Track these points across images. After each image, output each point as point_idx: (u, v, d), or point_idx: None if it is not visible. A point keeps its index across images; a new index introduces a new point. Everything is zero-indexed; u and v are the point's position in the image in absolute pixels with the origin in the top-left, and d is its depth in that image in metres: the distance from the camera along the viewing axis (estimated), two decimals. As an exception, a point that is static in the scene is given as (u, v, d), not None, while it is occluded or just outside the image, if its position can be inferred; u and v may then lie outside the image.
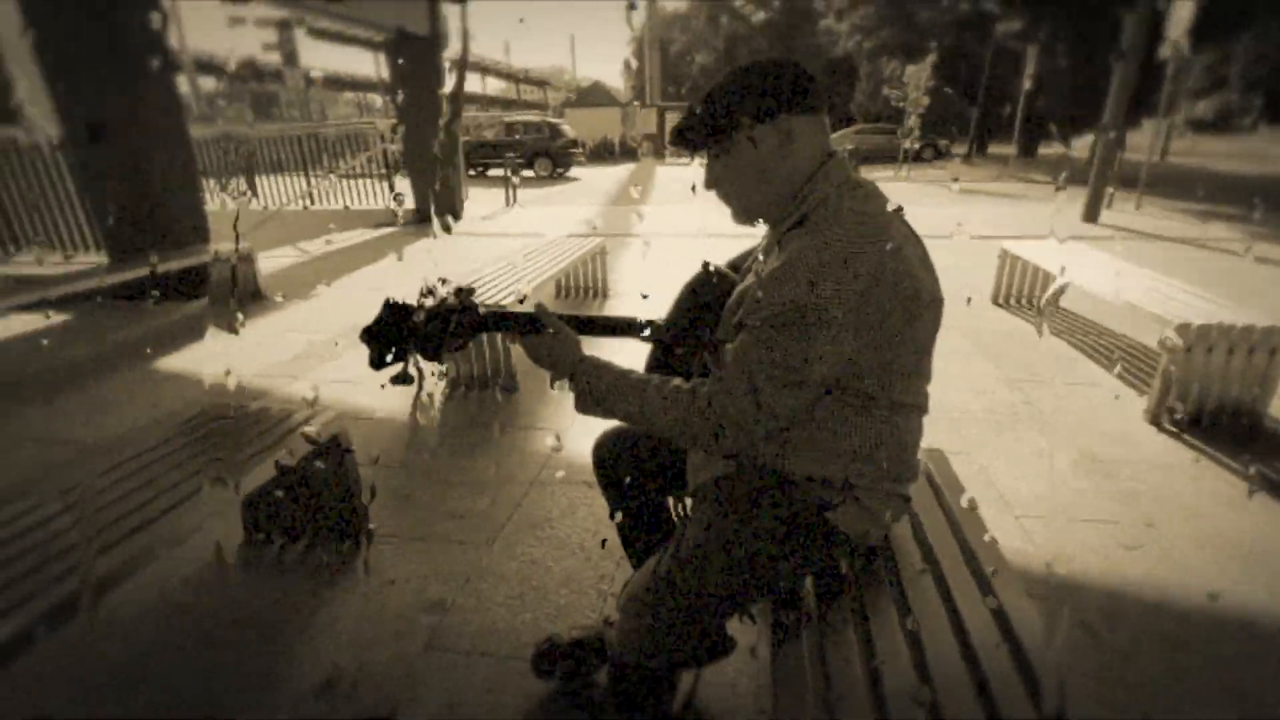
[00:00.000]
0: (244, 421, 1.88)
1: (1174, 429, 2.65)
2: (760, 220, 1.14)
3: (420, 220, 9.08)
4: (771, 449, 1.11)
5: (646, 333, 1.16)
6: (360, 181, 9.50)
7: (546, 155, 15.76)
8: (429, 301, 1.01)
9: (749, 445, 1.04)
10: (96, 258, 5.59)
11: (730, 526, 1.11)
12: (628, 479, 1.42)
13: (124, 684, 1.54)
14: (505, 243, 7.00)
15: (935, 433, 2.53)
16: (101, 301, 5.07)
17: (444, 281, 1.05)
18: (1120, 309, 2.98)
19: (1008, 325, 4.05)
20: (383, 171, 9.44)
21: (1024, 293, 4.31)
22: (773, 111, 1.04)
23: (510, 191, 10.66)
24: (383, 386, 1.00)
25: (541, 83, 34.99)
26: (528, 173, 15.90)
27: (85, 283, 4.63)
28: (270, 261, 6.52)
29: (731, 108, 1.05)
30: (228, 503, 1.61)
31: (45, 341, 4.36)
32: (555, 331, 1.10)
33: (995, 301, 4.42)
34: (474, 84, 31.23)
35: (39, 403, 3.23)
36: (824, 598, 1.18)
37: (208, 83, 24.96)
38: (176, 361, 3.78)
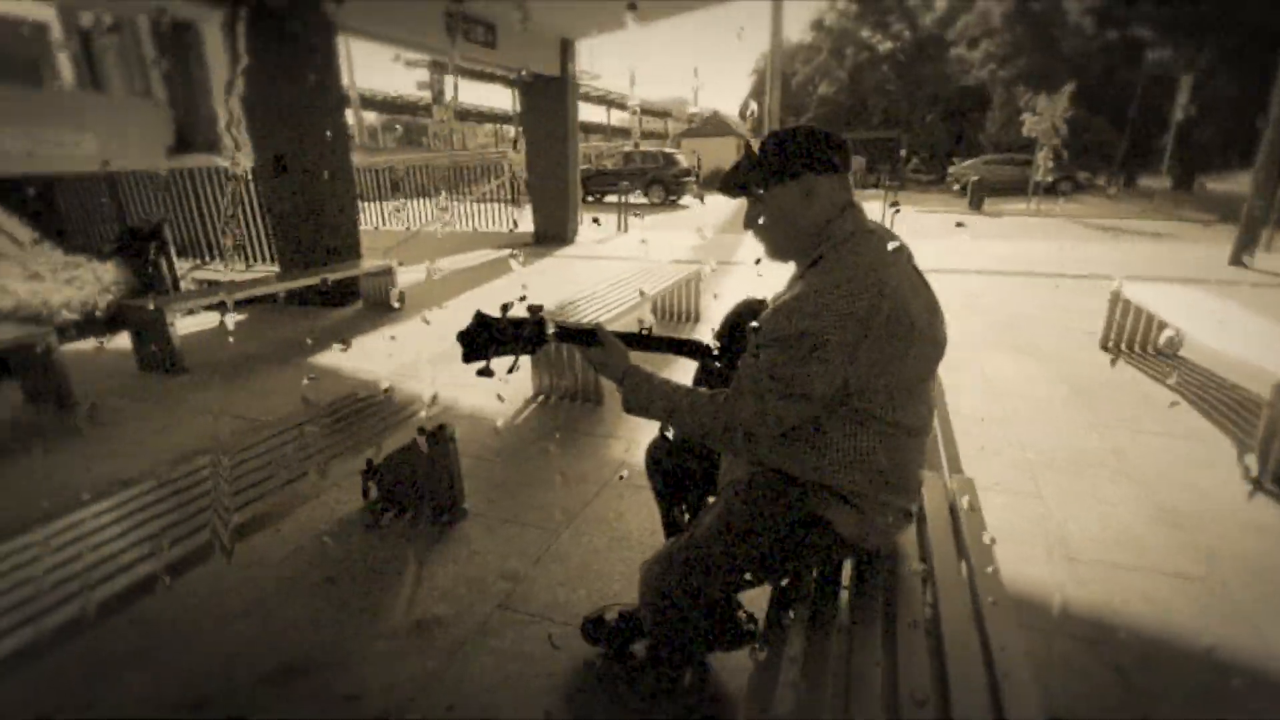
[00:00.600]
0: (372, 409, 2.30)
1: (1276, 490, 2.48)
2: (787, 258, 1.35)
3: (539, 242, 9.80)
4: (781, 453, 1.31)
5: (689, 350, 1.41)
6: (489, 206, 10.44)
7: (660, 183, 16.38)
8: (510, 314, 1.31)
9: (756, 445, 1.26)
10: (271, 268, 6.61)
11: (739, 515, 1.31)
12: (667, 477, 1.66)
13: (259, 610, 1.96)
14: (612, 265, 7.45)
15: (1007, 471, 2.57)
16: (273, 304, 6.01)
17: (523, 299, 1.36)
18: (1236, 361, 2.82)
19: (1111, 371, 3.86)
20: (509, 197, 10.32)
21: (1134, 338, 4.08)
22: (797, 171, 1.26)
23: (622, 217, 11.22)
24: (478, 374, 1.30)
25: (662, 114, 36.19)
26: (642, 199, 16.58)
27: (262, 288, 5.53)
28: (408, 275, 7.36)
29: (765, 166, 1.28)
30: (353, 473, 2.01)
31: (229, 335, 5.26)
32: (607, 345, 1.36)
33: (1104, 346, 4.21)
34: (598, 115, 32.91)
35: (220, 384, 3.95)
36: (820, 594, 1.34)
37: (367, 114, 27.98)
38: (329, 356, 4.46)
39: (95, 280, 6.24)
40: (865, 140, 22.95)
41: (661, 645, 1.54)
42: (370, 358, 4.50)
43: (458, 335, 1.27)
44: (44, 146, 10.12)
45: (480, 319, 1.27)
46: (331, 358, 4.45)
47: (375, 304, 5.93)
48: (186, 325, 5.24)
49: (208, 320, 5.50)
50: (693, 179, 17.30)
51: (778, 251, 1.34)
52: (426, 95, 17.76)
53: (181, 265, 7.40)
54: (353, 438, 2.08)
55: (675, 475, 1.66)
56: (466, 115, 26.69)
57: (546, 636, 1.79)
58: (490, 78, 11.25)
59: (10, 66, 10.83)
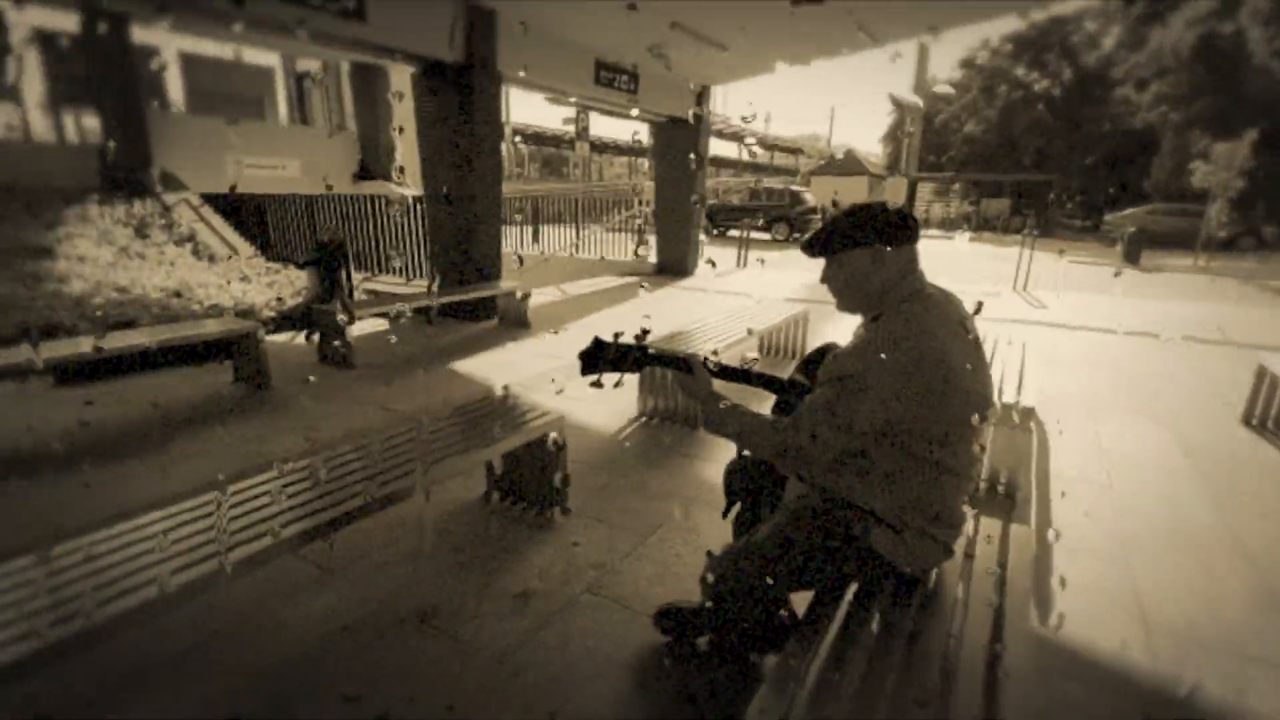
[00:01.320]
0: (499, 412, 2.75)
1: None
2: (854, 312, 1.59)
3: (660, 272, 10.30)
4: (834, 477, 1.54)
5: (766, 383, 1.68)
6: (616, 235, 11.12)
7: (785, 220, 16.51)
8: (620, 339, 1.65)
9: (809, 466, 1.50)
10: (427, 284, 7.55)
11: (791, 527, 1.55)
12: (740, 492, 1.91)
13: (401, 564, 2.41)
14: (726, 300, 7.74)
15: (1102, 535, 2.55)
16: (428, 316, 6.87)
17: (646, 332, 1.69)
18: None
19: (1247, 449, 3.57)
20: (637, 228, 10.94)
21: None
22: (868, 241, 1.50)
23: (742, 252, 11.49)
24: (591, 385, 1.65)
25: (795, 150, 36.20)
26: (765, 235, 16.77)
27: (419, 301, 6.37)
28: (538, 297, 8.08)
29: (840, 234, 1.53)
30: (478, 464, 2.44)
31: (392, 340, 6.10)
32: (696, 372, 1.66)
33: (1247, 422, 3.88)
34: (729, 150, 33.51)
35: (381, 381, 4.66)
36: (856, 607, 1.53)
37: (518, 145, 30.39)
38: (467, 364, 5.10)
39: (290, 285, 7.46)
40: (1014, 182, 21.65)
41: (719, 638, 1.79)
42: (499, 368, 5.08)
43: (579, 353, 1.62)
44: (263, 171, 12.12)
45: (597, 342, 1.61)
46: (467, 365, 5.09)
47: (509, 320, 6.60)
48: (359, 328, 6.15)
49: (373, 325, 6.41)
50: (819, 217, 17.25)
51: (847, 306, 1.59)
52: (571, 129, 19.19)
53: (356, 276, 8.61)
54: (480, 435, 2.52)
55: (747, 491, 1.91)
56: (605, 148, 28.32)
57: (622, 620, 2.09)
58: (632, 117, 12.02)
59: (243, 104, 13.13)
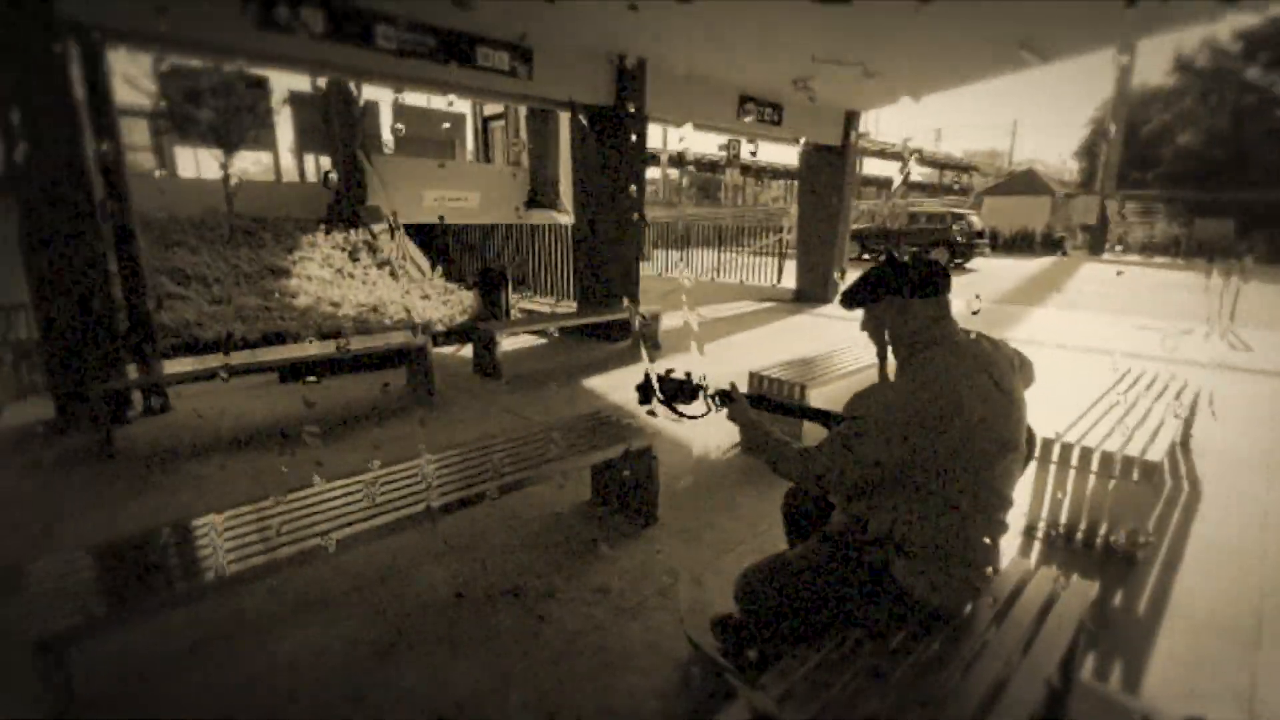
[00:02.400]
0: (606, 425, 3.09)
1: None
2: (886, 357, 1.72)
3: (798, 299, 10.25)
4: (860, 506, 1.66)
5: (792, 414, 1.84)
6: (760, 260, 11.24)
7: (945, 244, 15.49)
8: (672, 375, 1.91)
9: (832, 492, 1.63)
10: (571, 305, 8.25)
11: (819, 549, 1.70)
12: (793, 516, 2.06)
13: (509, 546, 2.82)
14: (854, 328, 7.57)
15: (1232, 616, 2.31)
16: (569, 335, 7.53)
17: (702, 378, 1.93)
18: None
19: None
20: (778, 253, 10.98)
21: None
22: (895, 292, 1.63)
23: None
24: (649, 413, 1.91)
25: (967, 168, 33.51)
26: (923, 261, 15.82)
27: (563, 321, 7.01)
28: (676, 320, 8.46)
29: (871, 286, 1.68)
30: (578, 469, 2.80)
31: (535, 355, 6.80)
32: (738, 402, 1.86)
33: None
34: (889, 170, 31.89)
35: (521, 392, 5.26)
36: (880, 632, 1.62)
37: (673, 171, 31.49)
38: (595, 381, 5.58)
39: (460, 304, 8.55)
40: (1240, 201, 18.34)
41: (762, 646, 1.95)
42: (622, 386, 5.48)
43: (636, 385, 1.89)
44: (450, 203, 13.86)
45: (649, 376, 1.88)
46: (594, 381, 5.56)
47: (642, 341, 7.03)
48: (509, 343, 6.93)
49: (524, 341, 7.17)
50: (985, 242, 15.97)
51: (879, 351, 1.72)
52: (725, 155, 19.64)
53: (513, 297, 9.61)
54: (586, 444, 2.88)
55: (798, 516, 2.06)
56: (762, 172, 28.42)
57: (679, 621, 2.30)
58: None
59: (439, 145, 15.15)
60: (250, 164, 13.98)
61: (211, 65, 9.26)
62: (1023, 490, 2.99)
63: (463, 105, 15.98)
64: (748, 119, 8.28)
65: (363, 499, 2.32)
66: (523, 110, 15.37)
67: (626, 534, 2.96)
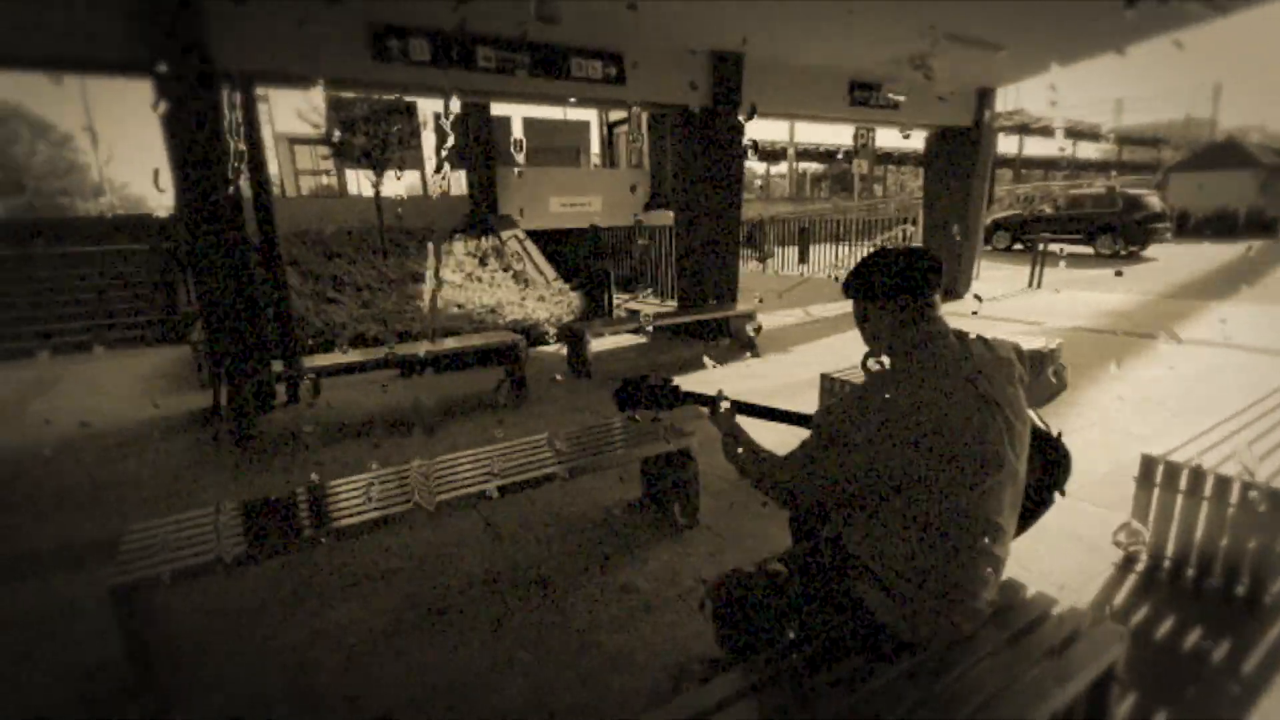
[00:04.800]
0: (658, 426, 3.11)
1: None
2: (877, 356, 1.59)
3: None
4: (837, 521, 1.55)
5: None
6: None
7: (1112, 230, 13.47)
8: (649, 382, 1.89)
9: (795, 504, 1.54)
10: (672, 304, 8.29)
11: (792, 562, 1.61)
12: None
13: (541, 543, 2.93)
14: (991, 327, 6.88)
15: None
16: (669, 334, 7.60)
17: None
18: None
19: None
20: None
21: None
22: (872, 287, 1.51)
23: (1037, 271, 9.88)
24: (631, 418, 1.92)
25: (1152, 141, 28.71)
26: (1085, 250, 13.96)
27: (664, 320, 7.09)
28: (783, 319, 8.23)
29: (860, 280, 1.56)
30: (618, 466, 2.85)
31: (630, 354, 6.94)
32: (718, 409, 1.81)
33: None
34: (1047, 149, 28.24)
35: (607, 389, 5.40)
36: (825, 657, 1.49)
37: (804, 163, 30.34)
38: (682, 381, 5.57)
39: (568, 305, 8.93)
40: None
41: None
42: (708, 386, 5.42)
43: (614, 391, 1.90)
44: (573, 208, 14.48)
45: (625, 381, 1.88)
46: (680, 381, 5.55)
47: (739, 342, 6.92)
48: (610, 342, 7.13)
49: (623, 340, 7.34)
50: (1167, 225, 13.67)
51: (871, 349, 1.59)
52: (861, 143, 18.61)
53: (620, 297, 9.85)
54: (651, 442, 2.94)
55: (799, 522, 1.96)
56: (905, 159, 26.55)
57: (696, 629, 2.27)
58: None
59: (565, 153, 15.88)
60: (404, 181, 15.56)
61: (365, 95, 10.43)
62: (1121, 514, 2.61)
63: (588, 114, 16.60)
64: (860, 106, 7.83)
65: (409, 487, 2.54)
66: (645, 114, 15.66)
67: (665, 535, 2.96)
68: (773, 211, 15.42)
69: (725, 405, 1.79)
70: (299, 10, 4.71)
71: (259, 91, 5.16)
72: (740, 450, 1.67)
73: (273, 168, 14.77)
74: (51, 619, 2.45)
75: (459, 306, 9.35)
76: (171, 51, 4.34)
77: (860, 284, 1.50)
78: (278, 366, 5.05)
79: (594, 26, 5.62)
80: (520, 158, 15.13)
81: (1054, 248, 12.20)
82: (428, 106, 13.98)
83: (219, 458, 4.23)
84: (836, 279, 11.22)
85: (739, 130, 6.89)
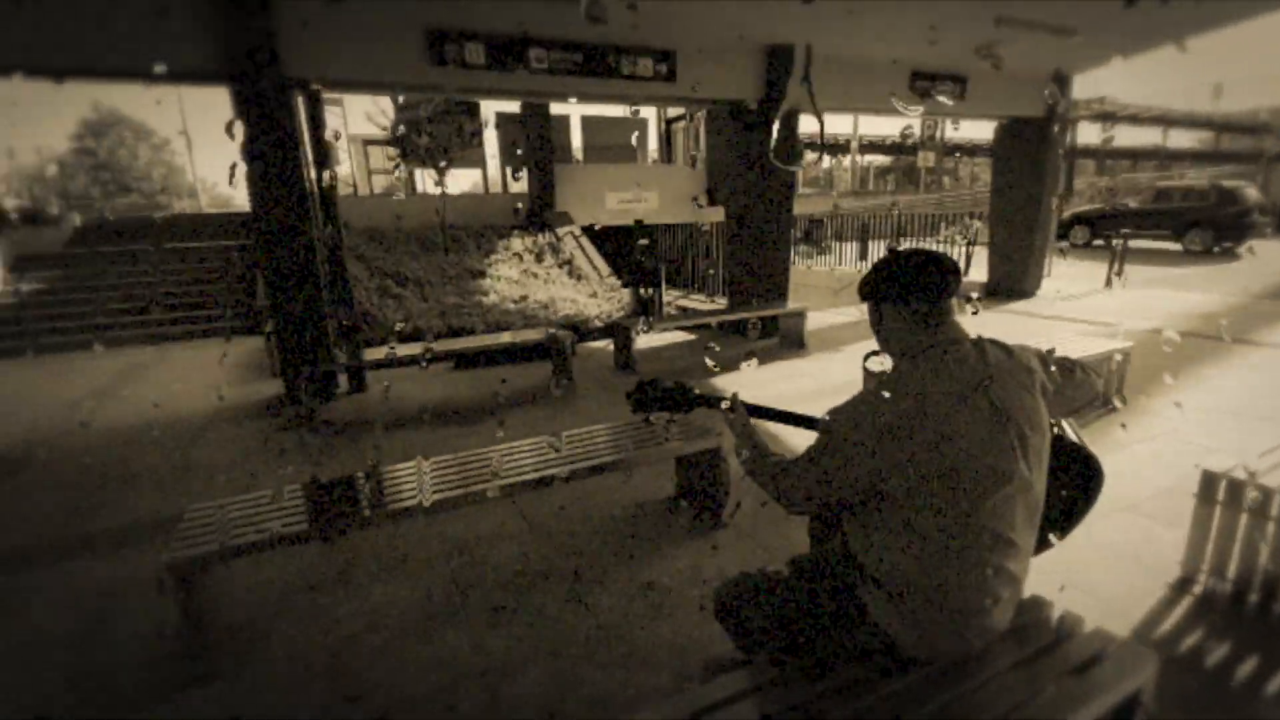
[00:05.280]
0: (691, 425, 3.13)
1: None
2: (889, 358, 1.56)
3: (990, 294, 9.08)
4: (844, 526, 1.54)
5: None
6: (947, 250, 10.16)
7: (1204, 226, 12.42)
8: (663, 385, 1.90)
9: (795, 508, 1.53)
10: (723, 302, 8.24)
11: (799, 566, 1.60)
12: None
13: (572, 537, 2.99)
14: (1057, 328, 6.54)
15: None
16: (717, 331, 7.56)
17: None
18: None
19: None
20: (969, 242, 9.83)
21: None
22: (882, 290, 1.48)
23: (1115, 268, 9.27)
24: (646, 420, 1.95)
25: (1255, 128, 26.19)
26: (1173, 246, 12.96)
27: (714, 317, 7.07)
28: (835, 317, 8.05)
29: (871, 281, 1.54)
30: (653, 462, 2.89)
31: (677, 351, 6.94)
32: (736, 411, 1.81)
33: None
34: (1141, 138, 26.21)
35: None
36: (846, 670, 1.48)
37: (869, 157, 29.38)
38: (726, 379, 5.56)
39: (619, 301, 9.00)
40: None
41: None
42: (753, 385, 5.38)
43: (627, 393, 1.92)
44: (628, 205, 14.56)
45: (641, 384, 1.90)
46: (725, 379, 5.54)
47: (788, 340, 6.81)
48: (659, 339, 7.16)
49: (672, 337, 7.36)
50: (1267, 220, 12.50)
51: (883, 351, 1.57)
52: (926, 134, 17.90)
53: (673, 293, 9.85)
54: (683, 440, 2.97)
55: (817, 524, 1.94)
56: (976, 150, 25.32)
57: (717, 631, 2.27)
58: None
59: (622, 150, 15.94)
60: (467, 179, 16.03)
61: (429, 97, 10.80)
62: (1180, 532, 2.45)
63: (647, 110, 16.62)
64: (923, 96, 7.54)
65: (455, 476, 2.65)
66: (702, 109, 15.55)
67: (694, 534, 2.97)
68: (833, 206, 15.03)
69: (738, 407, 1.78)
70: (361, 20, 4.94)
71: (333, 96, 5.44)
72: (748, 452, 1.67)
73: (346, 168, 15.51)
74: (124, 589, 2.69)
75: (514, 302, 9.58)
76: (245, 62, 4.63)
77: (873, 286, 1.47)
78: (340, 357, 5.34)
79: (645, 24, 5.63)
80: (577, 155, 15.31)
81: (1137, 243, 11.38)
82: (490, 106, 14.35)
83: (285, 443, 4.50)
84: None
85: (791, 125, 6.77)
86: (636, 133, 16.96)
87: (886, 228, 12.03)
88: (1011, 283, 8.88)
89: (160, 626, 2.28)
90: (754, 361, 5.97)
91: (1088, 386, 1.60)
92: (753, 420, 1.78)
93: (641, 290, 7.80)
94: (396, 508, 2.42)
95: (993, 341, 1.48)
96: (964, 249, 9.87)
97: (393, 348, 5.36)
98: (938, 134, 15.36)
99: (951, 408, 1.31)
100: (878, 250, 11.46)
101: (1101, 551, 2.65)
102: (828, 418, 1.46)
